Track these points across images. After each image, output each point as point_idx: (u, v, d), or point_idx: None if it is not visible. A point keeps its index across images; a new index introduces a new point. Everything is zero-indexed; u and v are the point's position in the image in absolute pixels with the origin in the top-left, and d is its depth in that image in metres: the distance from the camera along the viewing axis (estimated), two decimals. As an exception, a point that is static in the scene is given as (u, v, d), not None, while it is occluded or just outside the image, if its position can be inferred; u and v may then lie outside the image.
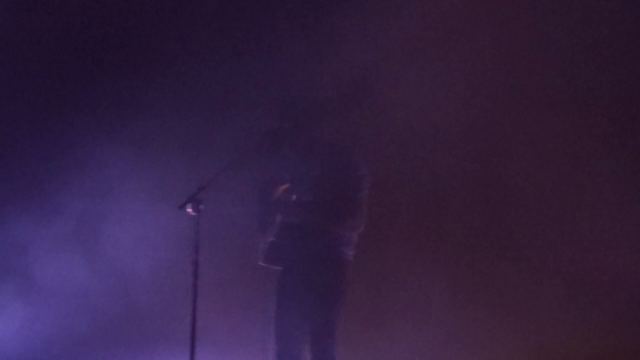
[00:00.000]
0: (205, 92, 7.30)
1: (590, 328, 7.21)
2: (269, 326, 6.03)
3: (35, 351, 7.14)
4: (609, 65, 7.27)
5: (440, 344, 7.27)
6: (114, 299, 7.27)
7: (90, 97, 7.29)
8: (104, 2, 7.27)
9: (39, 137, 7.24)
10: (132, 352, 7.23)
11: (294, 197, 5.91)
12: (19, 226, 7.17)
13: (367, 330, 7.18)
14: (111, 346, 7.22)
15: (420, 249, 7.28)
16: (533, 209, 7.40)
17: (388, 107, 6.95)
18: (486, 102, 7.30)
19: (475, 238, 7.38)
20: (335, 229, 5.85)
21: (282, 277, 5.94)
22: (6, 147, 7.20)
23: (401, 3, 7.06)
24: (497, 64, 7.28)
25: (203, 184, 5.63)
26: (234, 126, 7.14)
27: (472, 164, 7.36)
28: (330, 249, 5.85)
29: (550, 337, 7.25)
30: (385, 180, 7.05)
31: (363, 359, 6.79)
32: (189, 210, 5.62)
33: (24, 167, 7.22)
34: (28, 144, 7.23)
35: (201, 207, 5.63)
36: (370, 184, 5.97)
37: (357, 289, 6.42)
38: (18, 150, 7.22)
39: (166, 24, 7.32)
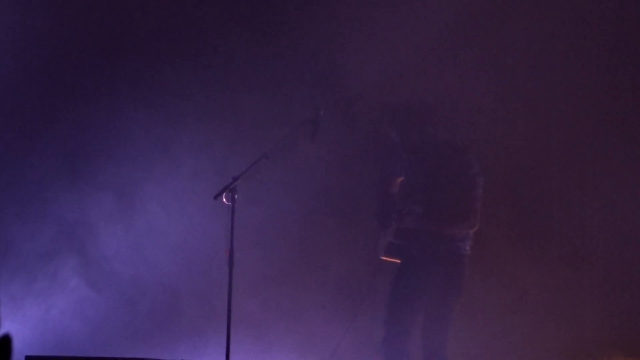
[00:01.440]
0: (243, 83, 7.31)
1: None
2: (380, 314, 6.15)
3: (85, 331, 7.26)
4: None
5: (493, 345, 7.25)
6: (151, 285, 7.34)
7: (134, 83, 7.34)
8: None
9: (81, 119, 7.31)
10: (170, 337, 7.31)
11: (408, 203, 5.97)
12: (67, 204, 7.26)
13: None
14: (148, 330, 7.31)
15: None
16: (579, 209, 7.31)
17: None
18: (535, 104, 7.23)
19: (516, 241, 7.31)
20: (451, 231, 5.94)
21: (401, 270, 6.07)
22: (50, 129, 7.28)
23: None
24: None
25: (237, 174, 5.67)
26: (271, 116, 7.16)
27: (514, 165, 7.29)
28: (448, 247, 5.97)
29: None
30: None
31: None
32: (224, 199, 5.66)
33: (65, 145, 7.30)
34: (70, 125, 7.29)
35: (236, 196, 5.67)
36: (484, 182, 6.01)
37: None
38: (60, 131, 7.28)
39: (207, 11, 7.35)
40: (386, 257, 6.10)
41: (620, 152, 7.15)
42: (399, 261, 6.07)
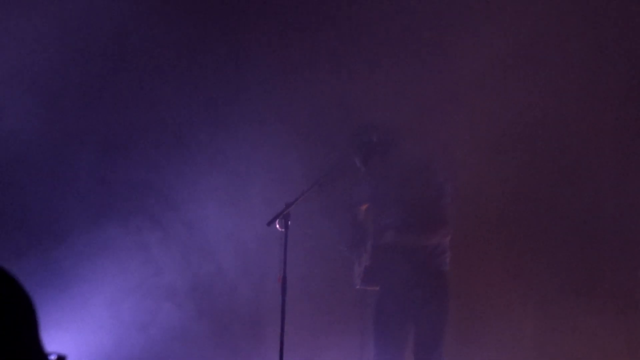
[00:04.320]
0: (295, 110, 7.38)
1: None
2: (365, 345, 6.08)
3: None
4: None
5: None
6: (202, 308, 7.39)
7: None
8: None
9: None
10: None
11: (382, 220, 5.96)
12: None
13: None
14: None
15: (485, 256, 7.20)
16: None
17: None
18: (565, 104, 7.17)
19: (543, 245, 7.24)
20: (427, 243, 5.85)
21: (381, 297, 6.01)
22: (89, 131, 7.32)
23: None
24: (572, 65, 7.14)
25: (290, 200, 5.69)
26: (323, 144, 7.21)
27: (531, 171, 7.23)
28: (427, 263, 5.90)
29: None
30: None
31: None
32: (277, 226, 5.68)
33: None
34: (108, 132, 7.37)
35: (289, 223, 5.69)
36: (455, 188, 5.97)
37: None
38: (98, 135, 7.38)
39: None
40: (363, 286, 6.00)
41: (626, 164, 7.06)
42: (377, 288, 5.99)
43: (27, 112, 7.05)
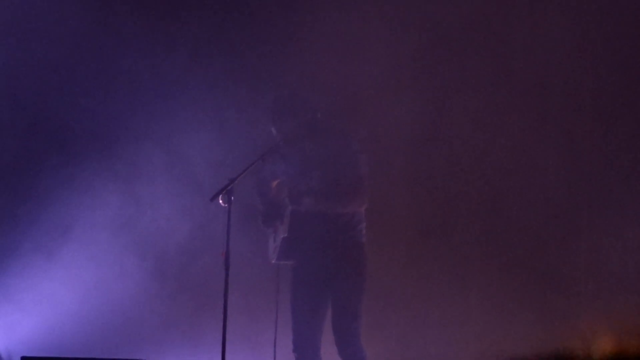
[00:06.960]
0: (235, 90, 7.38)
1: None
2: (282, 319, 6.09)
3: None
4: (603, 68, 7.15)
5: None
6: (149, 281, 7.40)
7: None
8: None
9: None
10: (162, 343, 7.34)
11: (299, 186, 5.96)
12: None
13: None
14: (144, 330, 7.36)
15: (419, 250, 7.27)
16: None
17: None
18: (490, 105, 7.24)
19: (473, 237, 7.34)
20: (344, 210, 5.90)
21: (298, 270, 6.03)
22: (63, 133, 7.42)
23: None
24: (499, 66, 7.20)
25: (233, 176, 5.66)
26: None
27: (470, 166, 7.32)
28: (345, 234, 5.93)
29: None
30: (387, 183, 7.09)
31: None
32: (220, 201, 5.65)
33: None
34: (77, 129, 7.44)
35: (232, 198, 5.66)
36: (369, 160, 6.02)
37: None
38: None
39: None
40: (278, 260, 6.02)
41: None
42: (291, 262, 6.02)
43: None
